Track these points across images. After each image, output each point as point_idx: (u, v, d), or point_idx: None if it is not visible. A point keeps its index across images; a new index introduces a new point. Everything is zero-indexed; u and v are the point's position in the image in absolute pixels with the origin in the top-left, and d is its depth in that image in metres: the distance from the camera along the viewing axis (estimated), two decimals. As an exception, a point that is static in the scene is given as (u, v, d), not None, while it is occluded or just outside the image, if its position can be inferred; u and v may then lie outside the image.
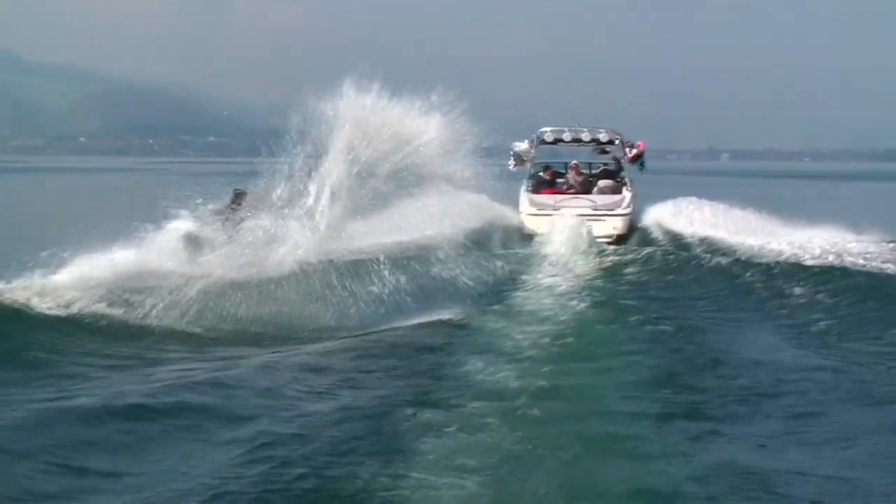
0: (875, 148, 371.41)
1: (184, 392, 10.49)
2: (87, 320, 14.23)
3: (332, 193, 18.86)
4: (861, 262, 21.66)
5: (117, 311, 14.65)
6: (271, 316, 15.59)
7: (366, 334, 14.57)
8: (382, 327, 15.04)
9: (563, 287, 18.29)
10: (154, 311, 14.81)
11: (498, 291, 18.43)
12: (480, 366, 11.94)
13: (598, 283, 19.88)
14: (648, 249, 25.47)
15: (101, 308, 14.62)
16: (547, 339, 13.48)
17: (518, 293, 18.38)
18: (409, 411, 9.91)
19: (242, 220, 18.69)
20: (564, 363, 12.13)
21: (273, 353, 13.22)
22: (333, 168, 19.00)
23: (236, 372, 11.65)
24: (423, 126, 21.47)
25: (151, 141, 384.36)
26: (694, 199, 31.42)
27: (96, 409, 9.73)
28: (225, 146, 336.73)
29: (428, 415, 9.79)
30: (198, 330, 14.65)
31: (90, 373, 11.91)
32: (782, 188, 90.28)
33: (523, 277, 20.56)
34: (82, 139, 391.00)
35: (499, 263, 21.85)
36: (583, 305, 15.94)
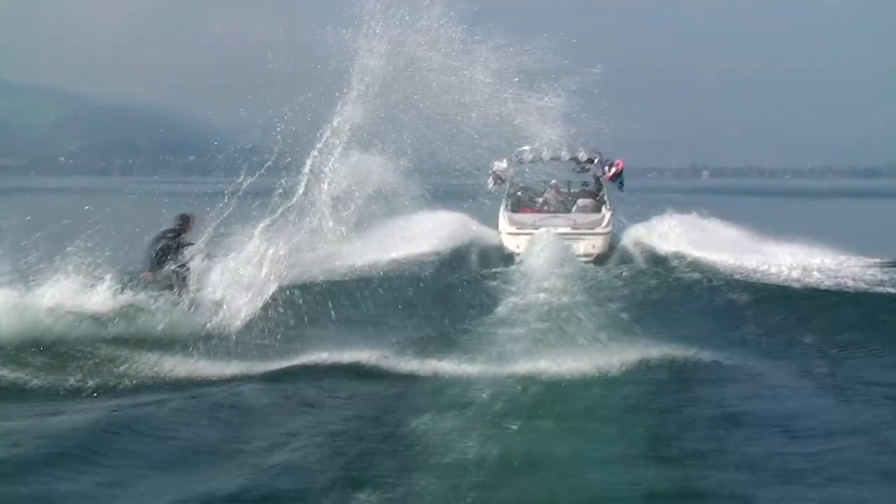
0: (857, 165, 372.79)
1: (62, 447, 8.62)
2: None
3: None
4: (862, 284, 20.52)
5: None
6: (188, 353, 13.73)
7: (293, 374, 12.42)
8: (316, 365, 12.94)
9: (535, 321, 16.04)
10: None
11: (464, 321, 16.49)
12: (431, 424, 9.84)
13: (577, 311, 17.72)
14: (629, 270, 24.10)
15: None
16: (516, 389, 11.33)
17: (486, 326, 16.16)
18: (335, 493, 7.84)
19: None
20: (534, 422, 9.99)
21: (172, 397, 11.20)
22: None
23: (111, 438, 9.34)
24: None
25: (132, 161, 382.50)
26: (675, 215, 30.46)
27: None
28: (205, 165, 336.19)
29: (360, 499, 7.76)
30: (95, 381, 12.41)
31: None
32: (765, 206, 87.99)
33: (495, 303, 18.55)
34: (62, 159, 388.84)
35: (469, 290, 20.28)
36: (558, 346, 13.60)
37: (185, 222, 19.54)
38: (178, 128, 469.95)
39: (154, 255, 19.18)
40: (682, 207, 32.64)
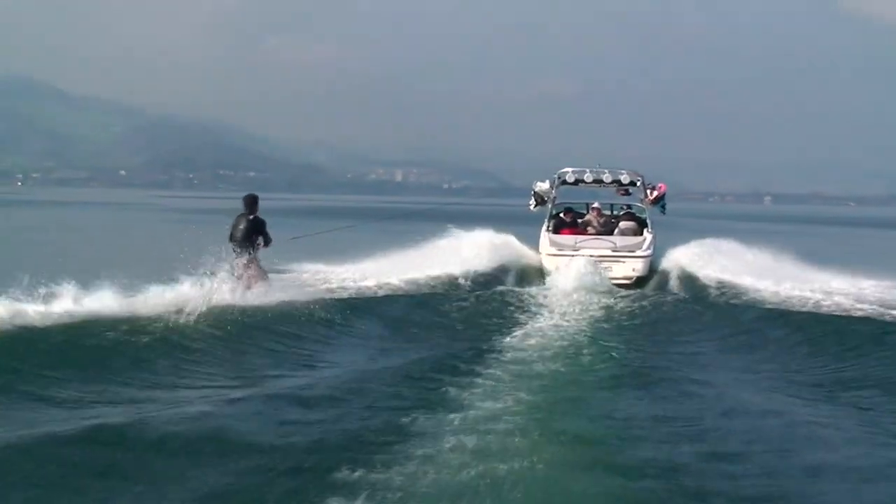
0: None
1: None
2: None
3: None
4: None
5: None
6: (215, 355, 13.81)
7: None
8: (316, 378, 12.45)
9: (556, 349, 14.82)
10: None
11: (478, 356, 14.01)
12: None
13: (603, 341, 16.19)
14: (667, 296, 23.67)
15: None
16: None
17: (499, 360, 13.74)
18: None
19: None
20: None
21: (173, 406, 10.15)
22: None
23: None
24: None
25: (191, 175, 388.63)
26: (720, 241, 30.16)
27: None
28: (265, 181, 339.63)
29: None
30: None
31: None
32: (830, 237, 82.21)
33: (516, 329, 17.71)
34: (123, 172, 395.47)
35: (496, 311, 20.15)
36: (570, 388, 11.64)
37: (254, 203, 18.77)
38: (237, 144, 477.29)
39: (243, 240, 18.27)
40: (735, 235, 32.18)
